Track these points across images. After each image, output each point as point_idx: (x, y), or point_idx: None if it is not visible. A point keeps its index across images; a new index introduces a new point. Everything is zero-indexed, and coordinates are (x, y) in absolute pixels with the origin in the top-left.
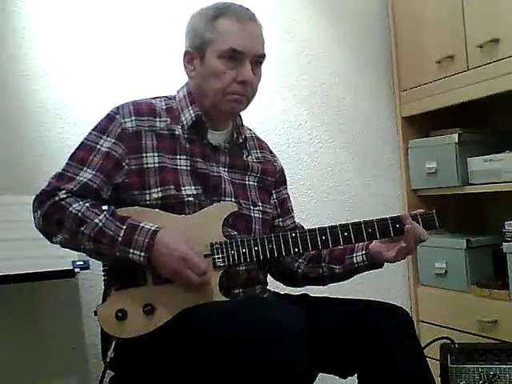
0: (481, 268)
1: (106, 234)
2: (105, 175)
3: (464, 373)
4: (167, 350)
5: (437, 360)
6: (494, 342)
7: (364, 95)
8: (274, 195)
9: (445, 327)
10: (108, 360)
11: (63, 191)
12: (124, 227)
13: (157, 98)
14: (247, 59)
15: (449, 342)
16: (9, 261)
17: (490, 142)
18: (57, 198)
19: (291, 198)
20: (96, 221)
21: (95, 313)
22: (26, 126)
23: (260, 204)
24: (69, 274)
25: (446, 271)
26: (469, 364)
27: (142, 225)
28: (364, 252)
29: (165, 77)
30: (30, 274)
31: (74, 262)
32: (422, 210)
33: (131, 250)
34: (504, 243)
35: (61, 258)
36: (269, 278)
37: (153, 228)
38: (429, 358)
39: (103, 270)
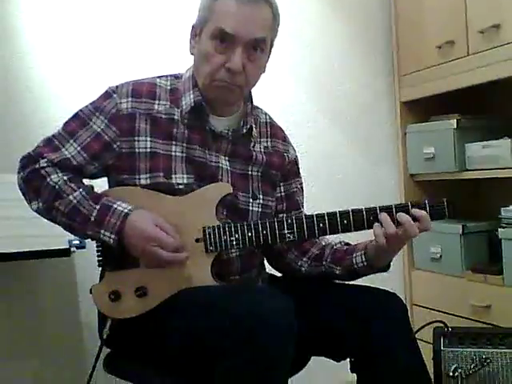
0: (476, 253)
1: (80, 212)
2: (89, 155)
3: (456, 356)
4: (159, 331)
5: (429, 343)
6: (486, 326)
7: (363, 79)
8: (282, 188)
9: (438, 311)
10: (104, 337)
11: (45, 159)
12: (97, 207)
13: (162, 76)
14: (239, 44)
15: (442, 325)
16: (5, 239)
17: (488, 128)
18: (37, 166)
19: None
20: (71, 197)
21: (90, 291)
22: (22, 106)
23: (261, 196)
24: (65, 252)
25: (441, 256)
26: (461, 348)
27: (115, 206)
28: (363, 252)
29: (161, 57)
30: (26, 252)
31: (70, 241)
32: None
33: (102, 231)
34: (500, 229)
35: (57, 237)
36: None
37: (125, 210)
38: (422, 341)
39: (97, 251)
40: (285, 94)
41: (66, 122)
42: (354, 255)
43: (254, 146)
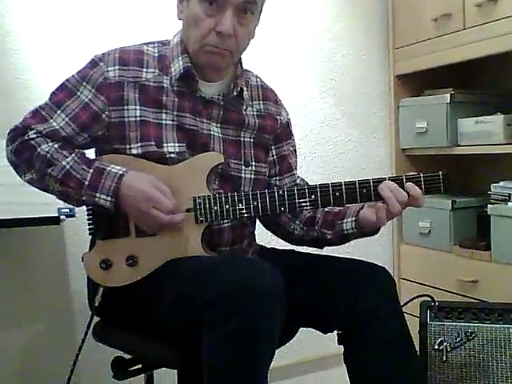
0: (464, 229)
1: (73, 177)
2: (77, 125)
3: (442, 330)
4: (148, 300)
5: (416, 317)
6: (473, 301)
7: (357, 51)
8: (274, 151)
9: (426, 285)
10: (96, 304)
11: (33, 131)
12: (91, 170)
13: (149, 43)
14: (229, 6)
15: (429, 299)
16: None
17: (481, 104)
18: (26, 137)
19: None
20: (64, 163)
21: (82, 259)
22: (10, 70)
23: (253, 163)
24: (54, 221)
25: (430, 231)
26: (447, 321)
27: (108, 168)
28: (354, 218)
29: (146, 23)
30: (15, 219)
31: (59, 209)
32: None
33: (98, 194)
34: (489, 205)
35: (46, 204)
36: (258, 231)
37: (120, 172)
38: (408, 314)
39: (88, 219)
40: (277, 64)
41: (53, 93)
42: (345, 221)
43: (246, 109)
